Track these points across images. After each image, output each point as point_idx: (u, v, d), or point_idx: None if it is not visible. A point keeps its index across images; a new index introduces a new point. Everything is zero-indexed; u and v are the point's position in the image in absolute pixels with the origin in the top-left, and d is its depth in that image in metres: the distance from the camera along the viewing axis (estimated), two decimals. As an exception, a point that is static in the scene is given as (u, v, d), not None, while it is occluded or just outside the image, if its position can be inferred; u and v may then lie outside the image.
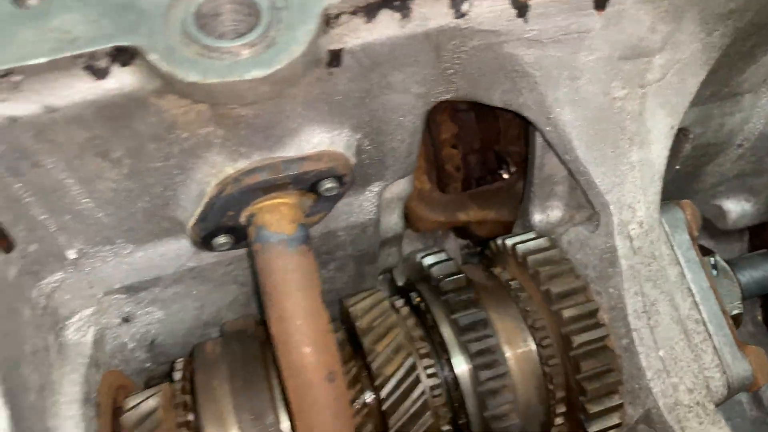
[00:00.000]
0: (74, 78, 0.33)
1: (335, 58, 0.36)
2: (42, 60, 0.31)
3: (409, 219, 0.62)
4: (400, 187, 0.55)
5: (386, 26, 0.37)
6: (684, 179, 0.68)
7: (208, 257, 0.50)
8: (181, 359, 0.56)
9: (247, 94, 0.33)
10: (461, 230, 0.66)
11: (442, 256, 0.55)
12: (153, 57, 0.31)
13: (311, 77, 0.35)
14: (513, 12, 0.38)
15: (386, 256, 0.64)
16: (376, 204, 0.53)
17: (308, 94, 0.36)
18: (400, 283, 0.63)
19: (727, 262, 0.65)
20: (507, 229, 0.67)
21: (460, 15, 0.36)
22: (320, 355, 0.41)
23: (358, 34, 0.36)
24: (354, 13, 0.35)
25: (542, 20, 0.39)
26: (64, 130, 0.34)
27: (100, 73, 0.33)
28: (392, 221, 0.59)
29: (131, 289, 0.52)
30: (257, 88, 0.32)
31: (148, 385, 0.56)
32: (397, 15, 0.37)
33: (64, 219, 0.42)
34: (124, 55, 0.33)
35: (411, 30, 0.37)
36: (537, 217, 0.60)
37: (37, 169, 0.36)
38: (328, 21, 0.34)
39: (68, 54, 0.32)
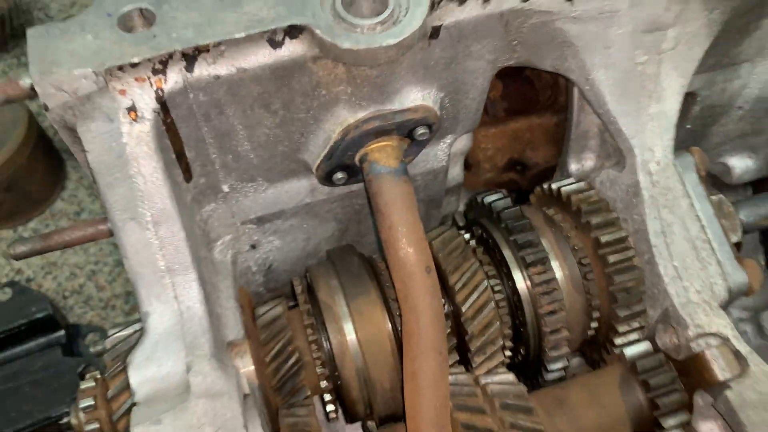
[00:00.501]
0: (259, 47, 0.45)
1: (435, 32, 0.48)
2: (241, 35, 0.44)
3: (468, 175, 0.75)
4: (464, 143, 0.67)
5: (472, 8, 0.50)
6: (694, 139, 0.79)
7: (320, 195, 0.62)
8: (297, 278, 0.69)
9: (379, 57, 0.45)
10: (510, 180, 0.79)
11: (501, 194, 0.67)
12: (318, 32, 0.44)
13: (416, 47, 0.48)
14: (563, -3, 0.50)
15: (447, 204, 0.77)
16: (447, 154, 0.65)
17: (412, 60, 0.49)
18: (461, 224, 0.75)
19: (732, 203, 0.77)
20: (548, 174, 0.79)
21: (528, 0, 0.49)
22: (420, 254, 0.53)
23: (453, 14, 0.49)
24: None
25: (584, 3, 0.51)
26: (246, 86, 0.47)
27: (277, 44, 0.45)
28: (455, 172, 0.71)
29: (261, 221, 0.64)
30: (387, 52, 0.45)
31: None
32: (480, 0, 0.49)
33: (227, 159, 0.54)
34: (294, 31, 0.45)
35: (489, 11, 0.49)
36: (574, 167, 0.72)
37: (221, 116, 0.49)
38: (433, 5, 0.47)
39: (258, 30, 0.45)
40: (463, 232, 0.68)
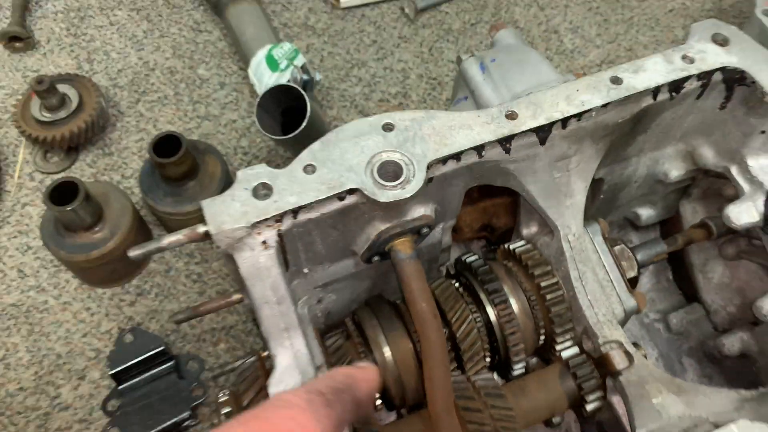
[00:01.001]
0: (332, 201, 0.74)
1: (430, 180, 0.80)
2: (323, 197, 0.75)
3: (453, 235, 1.07)
4: (450, 222, 1.00)
5: (450, 165, 0.81)
6: (608, 202, 1.11)
7: (361, 267, 0.93)
8: (348, 318, 1.01)
9: (399, 203, 0.77)
10: (484, 236, 1.11)
11: (476, 257, 0.99)
12: (366, 191, 0.76)
13: (420, 190, 0.80)
14: (503, 152, 0.83)
15: (442, 259, 1.09)
16: (440, 233, 0.98)
17: (417, 196, 0.81)
18: (452, 272, 1.08)
19: (632, 248, 1.09)
20: (509, 233, 1.11)
21: (482, 158, 0.81)
22: (430, 306, 0.83)
23: (439, 170, 0.80)
24: (441, 162, 0.80)
25: (516, 152, 0.83)
26: (324, 221, 0.77)
27: (342, 198, 0.76)
28: (446, 239, 1.03)
29: (325, 285, 0.95)
30: (402, 200, 0.77)
31: (323, 336, 1.02)
32: (454, 161, 0.82)
33: (309, 255, 0.85)
34: (352, 191, 0.77)
35: (461, 164, 0.81)
36: (524, 231, 1.04)
37: (308, 236, 0.80)
38: (429, 167, 0.79)
39: (332, 193, 0.75)
40: (453, 280, 1.00)
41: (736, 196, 1.02)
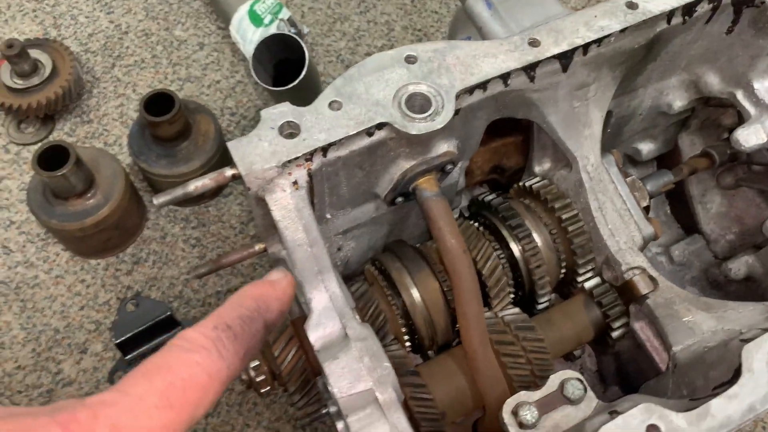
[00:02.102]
0: (362, 137, 0.72)
1: (457, 112, 0.78)
2: (353, 133, 0.73)
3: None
4: (466, 163, 0.99)
5: (476, 95, 0.80)
6: (613, 136, 1.12)
7: (381, 210, 0.91)
8: (368, 265, 0.99)
9: (429, 135, 0.75)
10: (493, 179, 1.10)
11: (494, 195, 0.98)
12: (396, 124, 0.74)
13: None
14: (527, 80, 0.81)
15: (456, 202, 1.08)
16: (459, 172, 0.97)
17: (444, 130, 0.79)
18: (466, 215, 1.07)
19: (641, 179, 1.10)
20: (518, 174, 1.11)
21: (508, 86, 0.80)
22: (459, 242, 0.82)
23: (466, 101, 0.79)
24: (468, 92, 0.78)
25: (540, 81, 0.82)
26: (352, 159, 0.75)
27: (371, 134, 0.74)
28: (461, 181, 1.02)
29: (345, 232, 0.93)
30: (433, 132, 0.75)
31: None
32: (480, 90, 0.80)
33: (333, 199, 0.83)
34: (381, 125, 0.75)
35: (487, 94, 0.80)
36: (537, 168, 1.04)
37: (336, 176, 0.77)
38: (457, 98, 0.77)
39: (362, 128, 0.73)
40: (471, 221, 0.99)
41: (736, 124, 1.03)
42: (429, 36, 1.53)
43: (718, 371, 0.67)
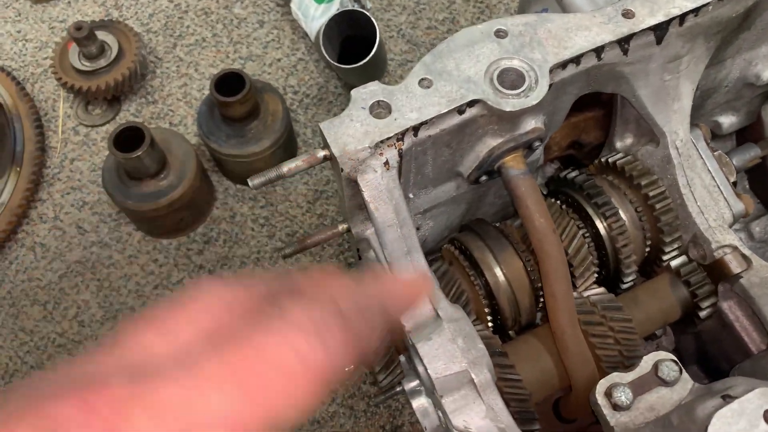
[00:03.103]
0: (453, 115, 0.71)
1: (549, 87, 0.77)
2: (444, 111, 0.72)
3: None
4: (547, 139, 0.96)
5: (569, 70, 0.77)
6: (695, 108, 1.08)
7: (461, 189, 0.90)
8: (446, 245, 0.98)
9: (523, 111, 0.73)
10: (571, 154, 1.08)
11: (577, 172, 0.96)
12: (489, 102, 0.72)
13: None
14: (620, 53, 0.79)
15: (536, 178, 1.06)
16: (541, 149, 0.95)
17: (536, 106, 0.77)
18: (544, 192, 1.05)
19: (727, 153, 1.07)
20: (596, 149, 1.08)
21: (601, 60, 0.77)
22: (548, 221, 0.81)
23: (559, 75, 0.76)
24: (560, 66, 0.76)
25: (633, 53, 0.79)
26: (442, 138, 0.74)
27: (462, 112, 0.72)
28: (542, 156, 1.01)
29: (425, 212, 0.92)
30: (528, 108, 0.73)
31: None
32: (573, 65, 0.78)
33: (418, 178, 0.82)
34: (473, 102, 0.73)
35: (580, 69, 0.77)
36: (618, 144, 1.01)
37: (424, 155, 0.76)
38: (550, 72, 0.75)
39: (453, 107, 0.72)
40: (552, 199, 0.98)
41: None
42: (491, 8, 1.50)
43: (832, 354, 0.64)
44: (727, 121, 1.12)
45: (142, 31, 1.49)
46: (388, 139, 0.70)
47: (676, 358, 0.72)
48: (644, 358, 0.73)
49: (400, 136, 0.71)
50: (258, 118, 1.17)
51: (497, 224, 0.93)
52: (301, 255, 1.17)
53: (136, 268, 1.24)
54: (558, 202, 0.93)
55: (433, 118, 0.71)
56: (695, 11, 0.77)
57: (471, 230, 0.92)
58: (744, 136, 1.19)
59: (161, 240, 1.25)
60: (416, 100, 0.72)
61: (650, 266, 0.96)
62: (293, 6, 1.37)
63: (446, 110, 0.71)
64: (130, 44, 1.34)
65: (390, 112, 0.71)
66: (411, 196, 0.85)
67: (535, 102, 0.71)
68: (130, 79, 1.32)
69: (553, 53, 0.74)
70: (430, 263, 0.90)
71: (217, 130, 1.18)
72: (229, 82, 1.13)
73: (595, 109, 1.00)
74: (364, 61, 1.06)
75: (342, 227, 0.84)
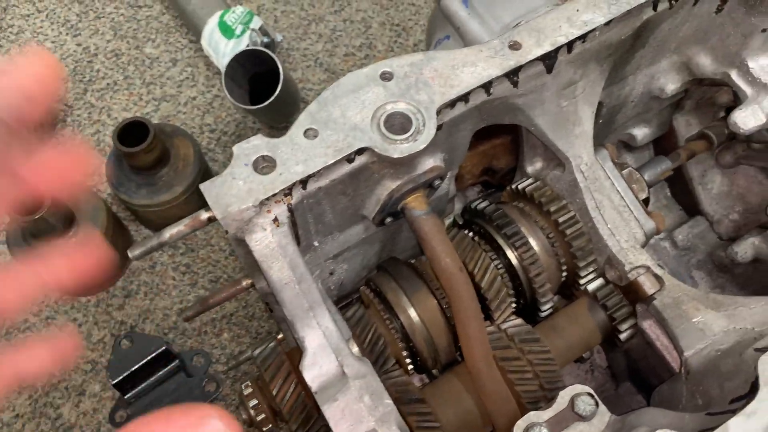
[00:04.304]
0: (342, 165, 0.69)
1: (440, 128, 0.74)
2: (331, 161, 0.69)
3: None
4: (455, 171, 0.95)
5: (459, 108, 0.76)
6: (605, 126, 1.08)
7: (371, 230, 0.88)
8: (363, 287, 0.96)
9: (412, 156, 0.71)
10: (485, 180, 1.06)
11: (486, 202, 0.95)
12: (376, 149, 0.70)
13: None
14: (511, 86, 0.78)
15: (448, 210, 1.05)
16: (448, 182, 0.93)
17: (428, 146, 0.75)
18: (460, 222, 1.03)
19: (637, 168, 1.07)
20: (510, 174, 1.07)
21: (491, 95, 0.76)
22: (454, 260, 0.80)
23: (449, 114, 0.75)
24: (449, 106, 0.74)
25: (524, 85, 0.78)
26: (334, 187, 0.72)
27: (351, 160, 0.70)
28: (451, 188, 0.98)
29: (336, 256, 0.90)
30: (416, 153, 0.72)
31: (340, 308, 0.97)
32: (462, 103, 0.76)
33: (319, 227, 0.80)
34: (361, 150, 0.71)
35: (469, 106, 0.76)
36: (529, 169, 1.00)
37: (319, 206, 0.74)
38: (438, 113, 0.73)
39: (341, 156, 0.70)
40: (465, 230, 0.96)
41: (732, 102, 1.00)
42: (408, 30, 1.48)
43: (734, 383, 0.64)
44: (641, 133, 1.13)
45: (50, 78, 1.44)
46: (274, 195, 0.68)
47: (592, 391, 0.71)
48: (561, 393, 0.72)
49: (288, 191, 0.69)
50: (168, 164, 1.13)
51: (413, 260, 0.91)
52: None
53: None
54: (471, 233, 0.91)
55: (320, 170, 0.69)
56: (582, 38, 0.76)
57: (385, 270, 0.90)
58: (661, 145, 1.20)
59: (79, 298, 1.20)
60: (302, 152, 0.69)
61: (570, 289, 0.95)
62: (204, 43, 1.33)
63: (333, 161, 0.69)
64: (33, 95, 1.28)
65: (275, 167, 0.69)
66: (316, 243, 0.83)
67: (423, 146, 0.70)
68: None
69: (439, 93, 0.72)
70: (350, 306, 0.88)
71: (127, 181, 1.14)
72: (134, 131, 1.09)
73: (502, 136, 0.99)
74: (266, 103, 1.03)
75: (246, 282, 0.81)
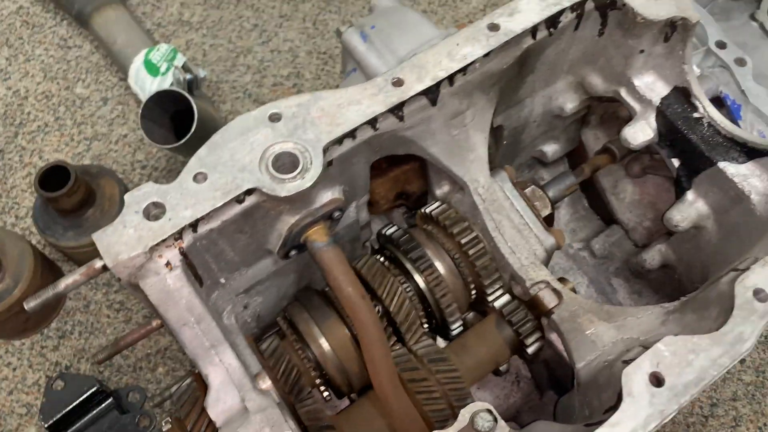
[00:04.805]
0: (232, 206, 0.71)
1: (330, 164, 0.77)
2: (220, 204, 0.71)
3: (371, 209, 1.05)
4: (364, 198, 0.97)
5: (347, 144, 0.79)
6: (513, 146, 1.12)
7: (281, 263, 0.90)
8: (279, 317, 0.97)
9: (302, 193, 0.74)
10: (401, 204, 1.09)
11: (395, 228, 0.97)
12: (264, 189, 0.73)
13: (320, 175, 0.77)
14: (396, 120, 0.81)
15: (363, 235, 1.07)
16: (355, 211, 0.96)
17: (320, 181, 0.78)
18: (375, 247, 1.06)
19: (542, 185, 1.10)
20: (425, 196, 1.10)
21: (378, 130, 0.79)
22: (356, 289, 0.81)
23: (337, 150, 0.77)
24: (336, 143, 0.77)
25: (410, 119, 0.81)
26: (228, 227, 0.73)
27: (241, 201, 0.72)
28: (363, 216, 1.00)
29: (247, 290, 0.91)
30: (304, 190, 0.74)
31: (258, 340, 0.99)
32: (350, 139, 0.79)
33: (221, 265, 0.82)
34: (249, 191, 0.74)
35: (357, 141, 0.78)
36: (438, 192, 1.03)
37: (215, 246, 0.75)
38: (325, 151, 0.76)
39: (229, 198, 0.71)
40: (378, 255, 0.99)
41: (631, 115, 1.04)
42: (334, 58, 1.52)
43: (608, 393, 0.67)
44: (551, 149, 1.17)
45: (-19, 123, 1.44)
46: (164, 241, 0.70)
47: (491, 408, 0.73)
48: (462, 411, 0.74)
49: (178, 236, 0.71)
50: (93, 205, 1.14)
51: (327, 289, 0.94)
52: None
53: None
54: (382, 258, 0.94)
55: (209, 212, 0.71)
56: (462, 71, 0.80)
57: (298, 300, 0.92)
58: (573, 158, 1.25)
59: (13, 341, 1.20)
60: (191, 196, 0.71)
61: (482, 306, 0.98)
62: (130, 81, 1.35)
63: (221, 203, 0.71)
64: (-40, 142, 1.29)
65: (165, 213, 0.71)
66: (223, 281, 0.85)
67: (310, 183, 0.72)
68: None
69: (326, 131, 0.75)
70: (267, 337, 0.89)
71: (54, 224, 1.15)
72: (57, 174, 1.10)
73: (412, 162, 1.02)
74: (181, 142, 1.05)
75: (155, 323, 0.83)
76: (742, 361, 1.28)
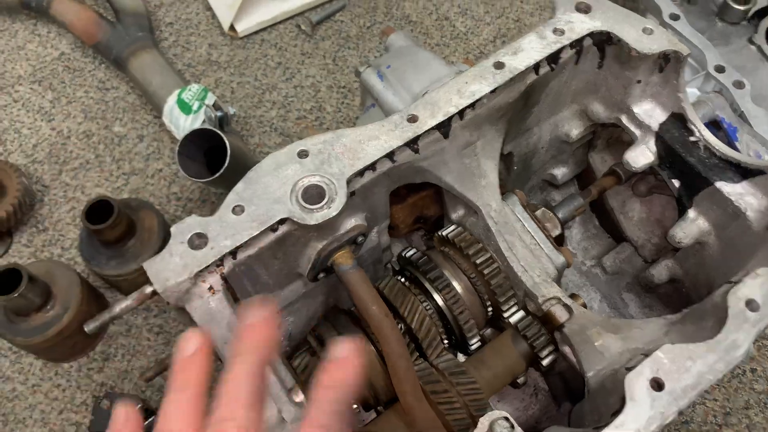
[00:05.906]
0: (267, 234, 0.79)
1: (353, 194, 0.85)
2: (256, 233, 0.80)
3: (392, 232, 1.12)
4: (385, 223, 1.05)
5: (368, 177, 0.86)
6: (523, 171, 1.19)
7: (310, 285, 0.98)
8: (309, 335, 1.04)
9: (329, 221, 0.81)
10: (420, 227, 1.16)
11: (414, 250, 1.05)
12: (295, 218, 0.80)
13: (345, 204, 0.85)
14: (412, 153, 0.88)
15: (387, 257, 1.14)
16: (377, 235, 1.03)
17: (344, 211, 0.85)
18: (396, 268, 1.13)
19: (552, 207, 1.17)
20: (442, 219, 1.17)
21: (395, 163, 0.86)
22: (380, 308, 0.88)
23: (359, 182, 0.85)
24: (358, 175, 0.84)
25: (424, 150, 0.88)
26: (263, 253, 0.80)
27: (275, 230, 0.80)
28: (384, 239, 1.08)
29: (281, 311, 1.00)
30: (331, 219, 0.81)
31: (290, 357, 1.06)
32: (370, 171, 0.87)
33: (257, 287, 0.89)
34: (282, 221, 0.81)
35: (377, 173, 0.87)
36: (453, 216, 1.10)
37: (252, 271, 0.83)
38: (348, 182, 0.84)
39: (264, 227, 0.80)
40: (399, 276, 1.06)
41: (632, 140, 1.10)
42: (353, 92, 1.60)
43: (614, 398, 0.73)
44: (560, 172, 1.23)
45: (28, 162, 1.55)
46: (207, 267, 0.77)
47: (508, 415, 0.79)
48: (481, 419, 0.80)
49: (219, 263, 0.78)
50: (135, 236, 1.22)
51: (353, 308, 1.01)
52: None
53: (40, 396, 1.27)
54: (403, 279, 1.01)
55: (246, 241, 0.78)
56: (471, 106, 0.87)
57: (327, 319, 0.99)
58: (582, 180, 1.31)
59: (62, 364, 1.29)
60: (230, 227, 0.79)
61: (499, 322, 1.04)
62: (165, 119, 1.44)
63: (257, 232, 0.79)
64: (11, 180, 1.39)
65: (207, 242, 0.78)
66: (258, 302, 0.92)
67: (336, 212, 0.80)
68: (15, 213, 1.37)
69: (349, 165, 0.83)
70: (298, 354, 0.97)
71: (98, 254, 1.24)
72: (101, 208, 1.19)
73: (428, 189, 1.09)
74: (215, 176, 1.14)
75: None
76: (754, 371, 1.32)
